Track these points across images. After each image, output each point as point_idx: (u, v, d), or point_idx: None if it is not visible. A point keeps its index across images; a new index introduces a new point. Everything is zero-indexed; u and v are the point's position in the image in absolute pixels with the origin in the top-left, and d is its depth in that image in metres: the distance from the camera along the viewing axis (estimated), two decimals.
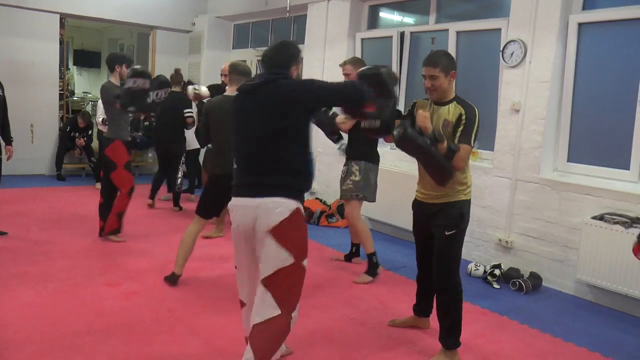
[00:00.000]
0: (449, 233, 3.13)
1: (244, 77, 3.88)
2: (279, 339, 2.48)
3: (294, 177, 2.51)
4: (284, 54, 2.63)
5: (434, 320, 3.40)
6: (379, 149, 4.64)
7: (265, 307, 2.43)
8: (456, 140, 3.02)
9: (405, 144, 2.96)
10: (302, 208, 2.53)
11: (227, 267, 4.58)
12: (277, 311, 2.42)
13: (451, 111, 3.11)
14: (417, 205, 3.37)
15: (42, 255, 4.61)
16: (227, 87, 4.49)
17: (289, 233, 2.45)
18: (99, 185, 5.87)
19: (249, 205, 2.48)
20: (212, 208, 4.26)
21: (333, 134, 4.77)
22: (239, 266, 2.70)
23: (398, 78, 3.19)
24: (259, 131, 2.50)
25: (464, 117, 3.05)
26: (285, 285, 2.46)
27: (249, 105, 2.56)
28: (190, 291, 4.02)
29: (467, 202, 3.20)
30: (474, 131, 3.05)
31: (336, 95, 2.61)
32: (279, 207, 2.43)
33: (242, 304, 2.74)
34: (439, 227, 3.16)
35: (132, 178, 5.07)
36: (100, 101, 5.36)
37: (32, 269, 4.26)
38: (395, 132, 2.92)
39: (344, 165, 4.68)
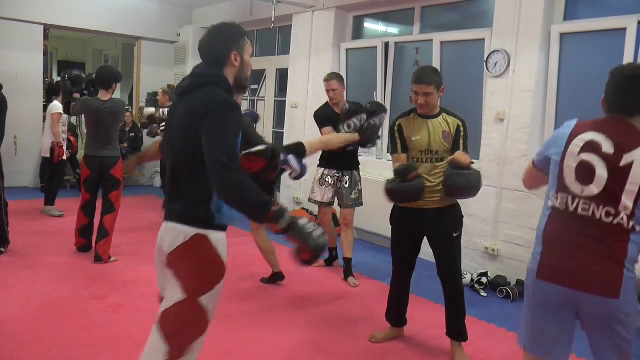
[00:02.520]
0: (457, 234, 3.31)
1: None
2: None
3: (196, 207, 2.04)
4: (217, 43, 2.13)
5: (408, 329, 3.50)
6: (362, 159, 5.06)
7: (152, 346, 2.10)
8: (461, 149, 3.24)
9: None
10: (210, 236, 2.03)
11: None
12: (163, 352, 2.04)
13: (449, 122, 3.27)
14: (408, 214, 3.36)
15: (27, 269, 4.56)
16: None
17: (184, 261, 2.03)
18: None
19: (161, 229, 2.17)
20: None
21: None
22: None
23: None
24: (173, 147, 2.11)
25: (462, 128, 3.26)
26: (173, 322, 2.03)
27: (176, 112, 2.12)
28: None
29: (459, 205, 3.41)
30: (468, 141, 3.32)
31: (210, 163, 1.90)
32: (178, 232, 2.04)
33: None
34: (446, 228, 3.29)
35: None
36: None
37: (16, 283, 4.21)
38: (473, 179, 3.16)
39: (339, 175, 4.80)
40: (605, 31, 4.47)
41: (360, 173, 4.91)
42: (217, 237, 2.05)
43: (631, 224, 1.93)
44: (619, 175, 1.94)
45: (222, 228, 2.09)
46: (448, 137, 3.24)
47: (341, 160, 4.76)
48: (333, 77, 4.75)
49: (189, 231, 2.02)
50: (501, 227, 4.97)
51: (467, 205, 5.05)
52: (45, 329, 3.44)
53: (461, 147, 3.21)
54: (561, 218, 2.06)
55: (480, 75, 5.22)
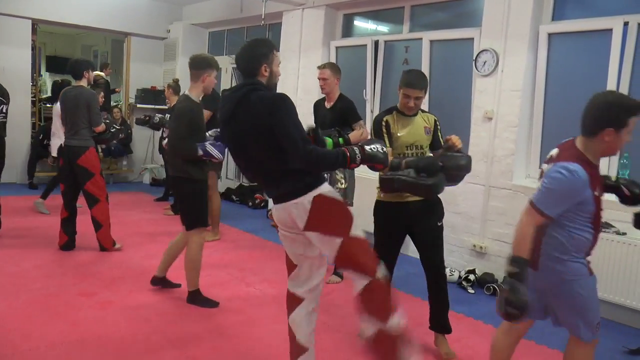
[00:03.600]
0: (441, 223, 3.42)
1: (200, 71, 3.81)
2: (383, 297, 2.55)
3: (296, 184, 2.52)
4: (251, 58, 2.57)
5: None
6: None
7: (356, 282, 2.54)
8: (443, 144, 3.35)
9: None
10: (320, 191, 2.53)
11: (204, 275, 4.56)
12: (364, 280, 2.50)
13: (426, 119, 3.44)
14: (394, 208, 3.40)
15: (14, 265, 4.54)
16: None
17: (321, 220, 2.53)
18: None
19: (283, 209, 2.60)
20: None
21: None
22: None
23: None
24: (246, 153, 2.60)
25: (438, 123, 3.47)
26: (353, 258, 2.55)
27: (236, 123, 2.54)
28: (166, 300, 3.99)
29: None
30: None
31: (291, 148, 2.43)
32: (300, 206, 2.52)
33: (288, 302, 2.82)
34: (431, 219, 3.39)
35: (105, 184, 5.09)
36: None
37: (3, 279, 4.19)
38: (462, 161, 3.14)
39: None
40: (593, 32, 4.52)
41: (346, 172, 4.59)
42: (325, 189, 2.54)
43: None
44: None
45: (322, 181, 2.56)
46: (429, 132, 3.40)
47: None
48: (327, 66, 4.67)
49: (306, 198, 2.47)
50: (489, 225, 5.01)
51: (454, 203, 5.12)
52: (32, 325, 3.43)
53: (440, 140, 3.41)
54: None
55: (469, 74, 5.25)
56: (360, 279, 2.51)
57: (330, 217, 2.53)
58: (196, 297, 3.94)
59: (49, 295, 3.93)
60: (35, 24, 8.37)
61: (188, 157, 3.76)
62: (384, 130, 3.37)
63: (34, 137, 8.25)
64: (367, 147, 2.56)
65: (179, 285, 4.20)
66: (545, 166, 2.48)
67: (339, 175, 4.56)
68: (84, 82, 4.96)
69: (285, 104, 2.44)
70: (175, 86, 6.48)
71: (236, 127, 2.53)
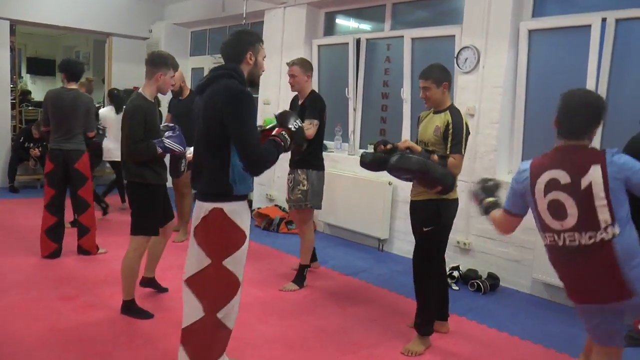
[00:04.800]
0: (427, 229, 3.34)
1: (154, 68, 3.60)
2: (210, 340, 2.48)
3: (216, 185, 2.47)
4: (236, 43, 2.57)
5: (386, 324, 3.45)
6: (328, 154, 4.72)
7: (190, 309, 2.48)
8: (448, 151, 3.26)
9: (400, 172, 3.21)
10: (225, 208, 2.44)
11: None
12: (200, 312, 2.45)
13: (442, 119, 3.35)
14: (410, 204, 3.54)
15: None
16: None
17: (204, 232, 2.48)
18: None
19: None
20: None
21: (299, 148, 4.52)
22: None
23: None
24: (197, 135, 2.56)
25: (450, 125, 3.27)
26: (207, 285, 2.47)
27: (198, 106, 2.57)
28: (148, 302, 3.95)
29: (449, 201, 3.38)
30: (463, 139, 3.28)
31: (245, 147, 2.41)
32: (200, 208, 2.51)
33: None
34: (418, 223, 3.41)
35: None
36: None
37: None
38: (392, 160, 3.16)
39: (289, 173, 4.53)
40: (572, 28, 4.55)
41: (311, 173, 4.42)
42: (230, 208, 2.44)
43: (613, 231, 2.11)
44: (585, 199, 2.13)
45: (238, 198, 2.49)
46: (437, 132, 3.34)
47: (291, 158, 4.53)
48: (296, 62, 4.44)
49: (207, 206, 2.44)
50: (472, 221, 5.03)
51: None
52: (10, 330, 3.37)
53: (449, 143, 3.27)
54: (556, 252, 2.28)
55: (451, 71, 5.21)
56: (195, 311, 2.45)
57: (214, 235, 2.46)
58: (130, 308, 3.71)
59: (29, 300, 3.88)
60: (14, 24, 8.24)
61: (148, 160, 3.55)
62: (418, 124, 3.59)
63: (14, 140, 8.13)
64: (290, 126, 2.64)
65: (166, 290, 4.17)
66: (555, 194, 2.21)
67: (302, 176, 4.40)
68: (78, 85, 4.90)
69: (247, 101, 2.42)
70: (87, 84, 6.42)
71: (200, 105, 2.54)
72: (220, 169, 2.44)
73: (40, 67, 12.32)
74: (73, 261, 4.82)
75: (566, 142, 2.26)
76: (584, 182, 2.13)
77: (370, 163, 3.51)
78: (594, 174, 2.12)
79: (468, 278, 4.76)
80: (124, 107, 3.82)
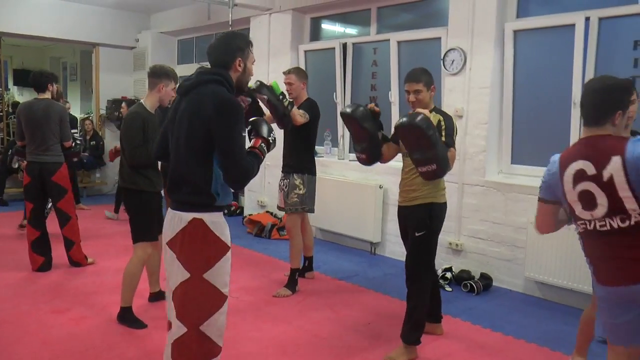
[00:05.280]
0: (419, 234, 3.31)
1: (157, 79, 3.71)
2: (196, 357, 2.34)
3: (197, 195, 2.33)
4: (225, 48, 2.42)
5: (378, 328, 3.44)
6: (318, 159, 4.76)
7: (174, 326, 2.35)
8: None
9: (414, 130, 3.05)
10: (206, 219, 2.31)
11: None
12: (181, 329, 2.32)
13: (432, 119, 3.29)
14: (398, 209, 3.53)
15: None
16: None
17: (183, 244, 2.31)
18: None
19: (167, 218, 2.43)
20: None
21: (282, 119, 4.30)
22: None
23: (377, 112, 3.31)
24: (177, 140, 2.38)
25: (442, 123, 3.28)
26: (186, 300, 2.32)
27: (177, 108, 2.42)
28: (142, 313, 3.91)
29: (439, 205, 3.38)
30: (454, 135, 3.31)
31: (230, 160, 2.28)
32: (178, 218, 2.34)
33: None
34: (411, 228, 3.36)
35: None
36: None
37: None
38: (405, 119, 3.07)
39: (283, 178, 4.58)
40: (556, 27, 4.58)
41: (306, 177, 4.49)
42: (211, 219, 2.32)
43: None
44: (609, 190, 2.08)
45: (219, 209, 2.37)
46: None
47: (284, 163, 4.61)
48: (292, 71, 4.62)
49: (186, 216, 2.30)
50: (464, 222, 5.04)
51: None
52: (3, 345, 3.34)
53: (443, 138, 3.22)
54: (589, 237, 2.22)
55: (438, 73, 5.27)
56: (178, 327, 2.32)
57: (195, 248, 2.31)
58: (125, 316, 3.71)
59: (19, 314, 3.84)
60: (0, 36, 8.20)
61: (147, 165, 3.63)
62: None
63: (2, 152, 8.07)
64: (268, 138, 2.50)
65: None
66: (584, 185, 2.16)
67: (298, 180, 4.46)
68: (48, 95, 4.85)
69: (238, 114, 2.29)
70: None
71: (184, 101, 2.39)
72: (204, 179, 2.31)
73: (27, 78, 12.17)
74: (63, 273, 4.79)
75: (589, 130, 2.20)
76: (606, 175, 2.08)
77: (361, 117, 3.37)
78: (615, 166, 2.06)
79: (461, 279, 4.76)
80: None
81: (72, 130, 5.86)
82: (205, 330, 2.31)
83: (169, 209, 2.41)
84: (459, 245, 5.07)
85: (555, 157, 2.29)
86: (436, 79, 5.23)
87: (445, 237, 5.17)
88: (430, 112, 3.33)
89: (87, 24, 8.70)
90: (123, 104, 6.97)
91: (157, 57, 9.03)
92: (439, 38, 5.29)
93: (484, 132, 4.89)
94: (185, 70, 8.85)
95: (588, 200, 2.14)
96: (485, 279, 4.73)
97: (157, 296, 4.16)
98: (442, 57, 5.13)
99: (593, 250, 2.24)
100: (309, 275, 4.88)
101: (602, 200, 2.10)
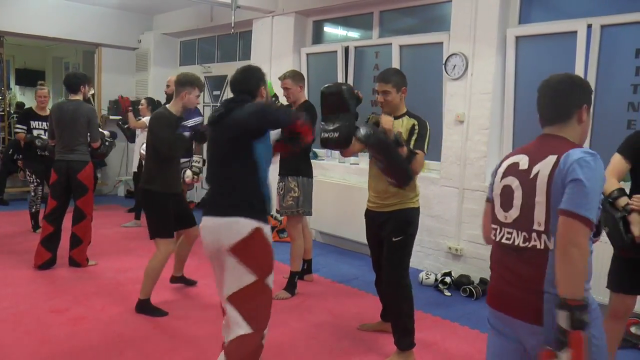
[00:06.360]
0: (396, 239, 3.30)
1: (182, 88, 3.92)
2: (250, 356, 2.53)
3: (250, 198, 2.60)
4: (252, 79, 2.78)
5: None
6: (318, 162, 4.72)
7: (235, 325, 2.51)
8: (412, 145, 3.22)
9: (372, 143, 3.05)
10: (263, 228, 2.59)
11: (176, 289, 4.51)
12: (245, 329, 2.49)
13: (404, 124, 3.32)
14: (368, 214, 3.51)
15: None
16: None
17: (249, 251, 2.52)
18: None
19: (213, 225, 2.61)
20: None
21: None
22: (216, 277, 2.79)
23: (360, 97, 3.23)
24: (218, 155, 2.69)
25: (416, 127, 3.28)
26: (252, 303, 2.53)
27: (215, 132, 2.72)
28: (140, 314, 3.93)
29: (415, 210, 3.36)
30: (427, 139, 3.27)
31: (270, 118, 2.65)
32: (238, 226, 2.54)
33: (223, 312, 2.75)
34: (388, 234, 3.32)
35: None
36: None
37: None
38: (363, 131, 3.03)
39: (279, 181, 4.60)
40: (558, 34, 4.59)
41: (301, 180, 4.51)
42: (267, 231, 2.60)
43: (546, 243, 1.78)
44: (529, 189, 1.84)
45: (267, 216, 2.65)
46: (399, 136, 3.22)
47: (280, 166, 4.60)
48: (287, 75, 4.57)
49: (247, 224, 2.53)
50: (464, 227, 5.05)
51: (429, 207, 5.15)
52: (1, 345, 3.34)
53: (412, 143, 3.22)
54: (495, 248, 1.99)
55: (440, 78, 5.30)
56: (239, 327, 2.50)
57: (259, 254, 2.56)
58: (145, 306, 3.94)
59: (18, 314, 3.85)
60: (2, 36, 8.22)
61: (183, 147, 3.96)
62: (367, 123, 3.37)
63: (3, 152, 8.08)
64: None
65: (194, 283, 4.60)
66: (509, 179, 1.94)
67: (292, 183, 4.48)
68: (79, 97, 4.93)
69: (268, 106, 2.74)
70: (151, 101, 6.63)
71: (217, 127, 2.68)
72: (256, 184, 2.62)
73: (29, 78, 12.23)
74: (63, 273, 4.79)
75: (545, 130, 1.99)
76: (534, 171, 1.84)
77: (347, 91, 3.20)
78: (546, 164, 1.81)
79: (460, 284, 4.76)
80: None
81: (105, 132, 5.91)
82: (264, 335, 2.55)
83: (206, 217, 2.66)
84: (458, 250, 5.07)
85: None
86: (438, 83, 5.33)
87: (445, 241, 5.18)
88: (403, 115, 3.34)
89: (89, 24, 8.70)
90: (142, 101, 6.93)
91: (160, 58, 9.06)
92: (441, 43, 5.30)
93: (485, 138, 4.90)
94: (188, 71, 8.86)
95: (507, 198, 1.92)
96: (485, 284, 4.73)
97: (179, 279, 4.55)
98: (443, 62, 5.14)
99: (493, 264, 2.00)
100: (308, 278, 4.89)
101: (517, 202, 1.87)
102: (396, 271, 3.32)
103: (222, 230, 2.56)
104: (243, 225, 2.54)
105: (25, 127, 6.17)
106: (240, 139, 2.59)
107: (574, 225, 1.69)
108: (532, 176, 1.84)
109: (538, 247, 1.81)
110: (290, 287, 4.48)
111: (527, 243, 1.83)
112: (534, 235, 1.81)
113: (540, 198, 1.80)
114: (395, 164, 3.09)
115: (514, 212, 1.88)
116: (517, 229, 1.86)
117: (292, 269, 4.53)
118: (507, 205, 1.91)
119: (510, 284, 1.87)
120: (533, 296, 1.79)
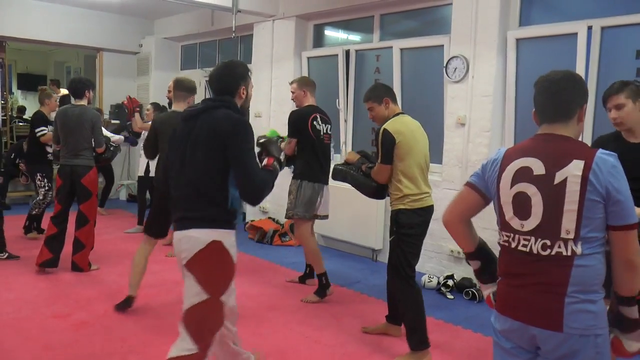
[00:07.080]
0: (390, 239, 3.49)
1: (189, 93, 4.00)
2: None
3: (215, 209, 2.41)
4: (229, 77, 2.53)
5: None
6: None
7: (181, 340, 2.39)
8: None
9: (339, 179, 3.77)
10: (224, 240, 2.40)
11: (179, 292, 4.50)
12: (190, 348, 2.35)
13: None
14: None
15: None
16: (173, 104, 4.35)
17: (203, 266, 2.38)
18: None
19: (176, 238, 2.47)
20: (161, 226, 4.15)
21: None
22: None
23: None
24: (188, 161, 2.43)
25: (379, 137, 3.42)
26: (201, 323, 2.39)
27: (187, 131, 2.47)
28: (142, 319, 3.93)
29: (406, 211, 3.41)
30: (382, 148, 3.38)
31: (246, 176, 2.37)
32: (195, 240, 2.38)
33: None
34: (390, 231, 3.52)
35: None
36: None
37: None
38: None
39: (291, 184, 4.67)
40: (559, 36, 4.59)
41: (299, 183, 4.50)
42: (229, 242, 2.41)
43: (573, 249, 1.74)
44: (553, 197, 1.76)
45: (233, 227, 2.46)
46: (372, 143, 3.45)
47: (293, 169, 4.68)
48: (295, 80, 4.75)
49: (206, 236, 2.36)
50: None
51: None
52: (3, 350, 3.35)
53: (378, 151, 3.43)
54: (507, 255, 1.92)
55: (440, 80, 5.30)
56: (185, 342, 2.36)
57: (214, 270, 2.41)
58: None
59: (21, 319, 3.85)
60: (4, 41, 8.24)
61: None
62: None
63: (5, 156, 8.07)
64: (279, 156, 2.68)
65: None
66: (523, 186, 1.84)
67: (292, 186, 4.55)
68: (84, 101, 4.95)
69: (250, 132, 2.43)
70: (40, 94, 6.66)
71: (190, 126, 2.46)
72: (222, 196, 2.39)
73: (31, 82, 12.28)
74: (66, 278, 4.79)
75: (548, 127, 1.91)
76: (559, 177, 1.75)
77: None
78: (573, 170, 1.73)
79: (462, 287, 4.76)
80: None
81: (111, 137, 5.93)
82: (209, 349, 2.41)
83: (176, 231, 2.46)
84: (460, 252, 5.06)
85: (502, 150, 1.98)
86: (438, 86, 5.33)
87: (447, 244, 5.17)
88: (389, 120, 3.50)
89: (91, 28, 8.72)
90: (149, 106, 6.96)
91: (161, 63, 9.08)
92: (442, 46, 5.30)
93: (486, 140, 4.90)
94: (189, 75, 8.75)
95: (522, 206, 1.82)
96: None
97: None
98: (444, 65, 5.14)
99: (507, 269, 1.92)
100: (310, 282, 4.88)
101: (537, 209, 1.79)
102: (394, 270, 3.43)
103: (182, 244, 2.42)
104: (197, 238, 2.37)
105: (46, 129, 6.18)
106: (214, 149, 2.39)
107: (629, 236, 1.75)
108: (556, 183, 1.76)
109: (564, 253, 1.76)
110: (320, 291, 4.49)
111: (548, 250, 1.78)
112: (559, 242, 1.76)
113: (570, 206, 1.74)
114: (358, 186, 3.63)
115: (534, 221, 1.80)
116: (537, 236, 1.80)
117: (316, 272, 4.55)
118: (523, 213, 1.83)
119: (528, 290, 1.82)
120: (554, 302, 1.76)
